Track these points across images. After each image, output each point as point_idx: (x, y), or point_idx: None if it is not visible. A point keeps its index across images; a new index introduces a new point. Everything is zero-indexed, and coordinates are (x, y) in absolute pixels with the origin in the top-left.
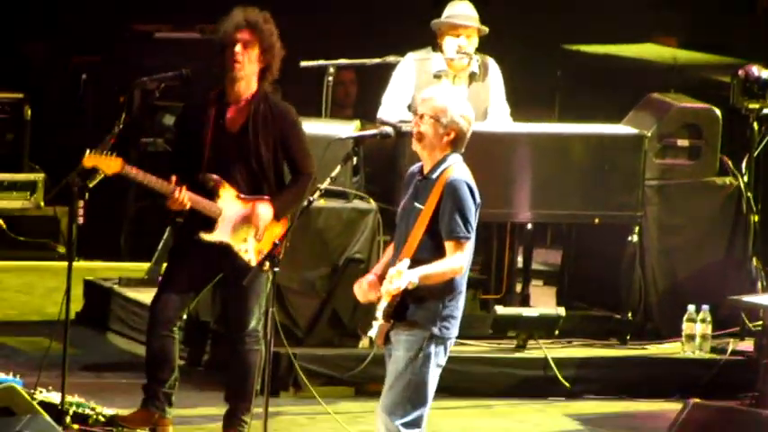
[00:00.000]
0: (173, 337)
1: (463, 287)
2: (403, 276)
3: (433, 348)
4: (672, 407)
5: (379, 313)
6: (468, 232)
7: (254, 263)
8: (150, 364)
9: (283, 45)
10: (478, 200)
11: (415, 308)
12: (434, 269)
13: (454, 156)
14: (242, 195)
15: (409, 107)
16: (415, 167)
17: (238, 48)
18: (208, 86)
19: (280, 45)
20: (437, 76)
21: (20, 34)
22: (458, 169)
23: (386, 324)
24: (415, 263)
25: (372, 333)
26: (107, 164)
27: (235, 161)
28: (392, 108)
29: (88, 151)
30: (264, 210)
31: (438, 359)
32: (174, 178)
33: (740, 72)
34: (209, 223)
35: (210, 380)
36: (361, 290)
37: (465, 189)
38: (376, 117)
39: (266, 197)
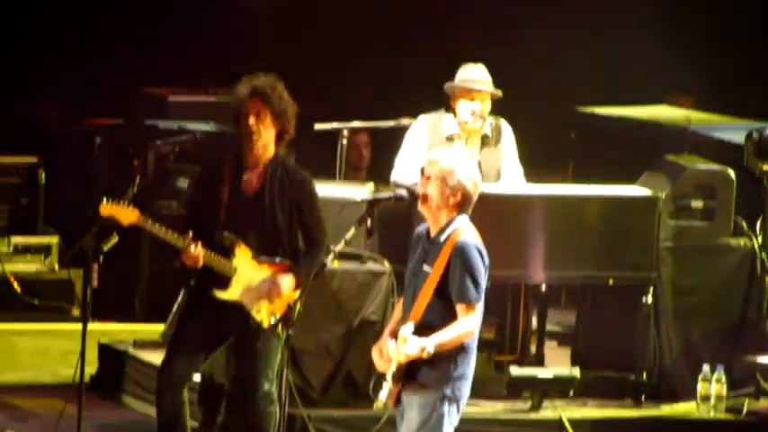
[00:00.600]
0: (182, 400)
1: (474, 347)
2: (415, 345)
3: (446, 409)
4: None
5: (389, 376)
6: (479, 295)
7: (266, 324)
8: (162, 427)
9: (296, 106)
10: (487, 262)
11: (426, 369)
12: (448, 336)
13: (461, 218)
14: (256, 256)
15: (423, 169)
16: (421, 228)
17: (251, 119)
18: (222, 148)
19: (292, 105)
20: (450, 139)
21: (34, 97)
22: (466, 232)
23: (395, 387)
24: (423, 326)
25: (383, 396)
26: (123, 213)
27: (250, 224)
28: (405, 170)
29: (105, 200)
30: (287, 282)
31: (452, 419)
32: (189, 233)
33: (754, 134)
34: (223, 282)
35: None
36: (381, 361)
37: (474, 252)
38: (389, 179)
39: (284, 262)
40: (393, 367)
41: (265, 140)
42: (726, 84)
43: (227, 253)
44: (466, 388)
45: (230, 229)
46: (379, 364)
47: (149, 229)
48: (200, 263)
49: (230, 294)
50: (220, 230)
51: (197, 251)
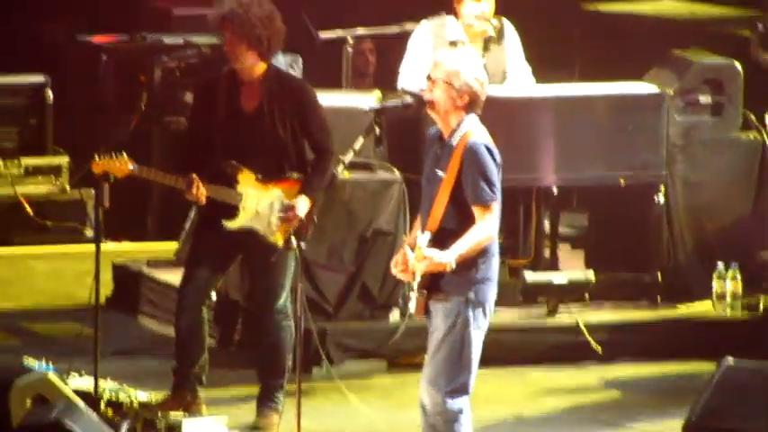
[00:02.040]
0: (202, 317)
1: (495, 248)
2: (437, 262)
3: (471, 313)
4: (706, 367)
5: (414, 286)
6: (494, 194)
7: (280, 243)
8: (180, 346)
9: (279, 21)
10: (499, 160)
11: (449, 276)
12: (468, 244)
13: (470, 118)
14: (261, 178)
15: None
16: (433, 131)
17: (225, 47)
18: (227, 62)
19: (274, 22)
20: (453, 44)
21: (38, 16)
22: (476, 132)
23: (421, 296)
24: (441, 232)
25: (411, 306)
26: (117, 167)
27: (252, 144)
28: (411, 76)
29: (96, 157)
30: (302, 204)
31: (478, 323)
32: (191, 175)
33: (759, 25)
34: (231, 207)
35: (242, 359)
36: (397, 269)
37: (485, 152)
38: (396, 86)
39: (290, 177)
40: (417, 278)
41: (246, 63)
42: None
43: (231, 180)
44: (491, 291)
45: (232, 150)
46: (399, 276)
47: (146, 177)
48: (204, 199)
49: (239, 222)
50: (220, 155)
51: (199, 190)
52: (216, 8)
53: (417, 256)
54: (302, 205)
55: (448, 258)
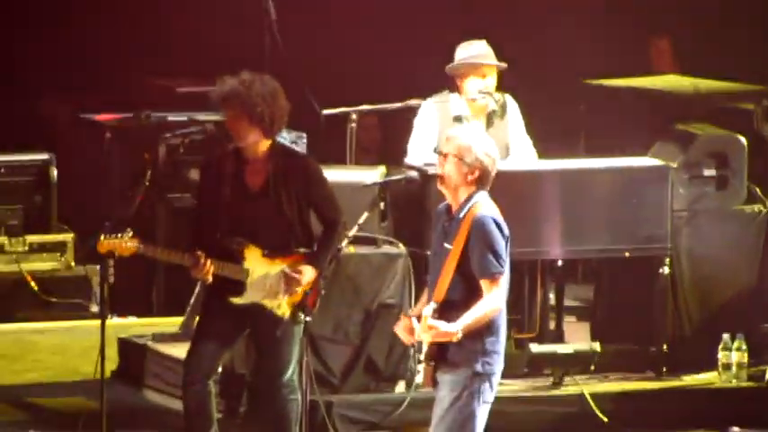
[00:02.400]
0: (209, 390)
1: (502, 321)
2: (443, 333)
3: (477, 386)
4: None
5: (422, 356)
6: (501, 267)
7: (287, 316)
8: (188, 420)
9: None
10: (507, 233)
11: (456, 348)
12: (475, 315)
13: (480, 194)
14: (268, 254)
15: (435, 150)
16: (441, 207)
17: (228, 124)
18: (232, 140)
19: (275, 100)
20: (457, 119)
21: (43, 95)
22: (484, 205)
23: (429, 367)
24: (446, 304)
25: (419, 378)
26: (122, 247)
27: (258, 220)
28: (418, 153)
29: (102, 237)
30: (307, 272)
31: (484, 396)
32: (196, 252)
33: (764, 99)
34: (238, 283)
35: None
36: (402, 332)
37: (492, 224)
38: (403, 163)
39: (297, 253)
40: (424, 348)
41: (249, 140)
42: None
43: (238, 256)
44: (497, 364)
45: (239, 226)
46: (404, 338)
47: (152, 255)
48: (210, 277)
49: (246, 298)
50: (227, 233)
51: (205, 267)
52: (218, 86)
53: (423, 326)
54: (307, 273)
55: (454, 329)
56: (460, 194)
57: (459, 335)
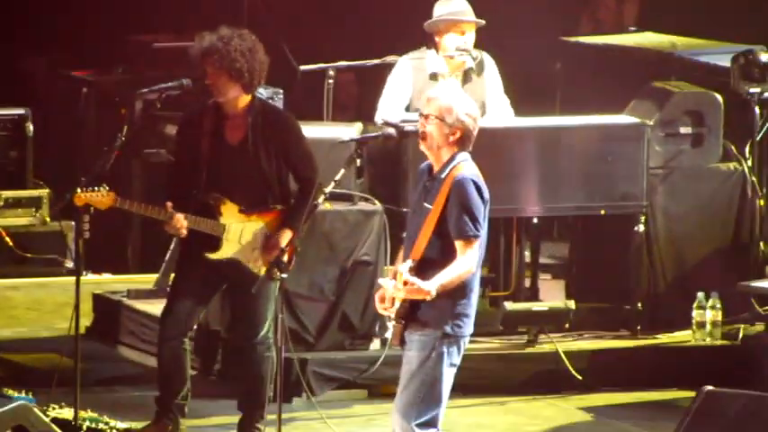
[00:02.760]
0: (184, 348)
1: (475, 285)
2: (417, 290)
3: (445, 347)
4: (685, 395)
5: (393, 315)
6: (477, 231)
7: (262, 273)
8: (162, 375)
9: (262, 54)
10: (487, 197)
11: (426, 307)
12: (449, 276)
13: (462, 155)
14: (245, 210)
15: (407, 108)
16: (424, 165)
17: (207, 80)
18: (208, 95)
19: (256, 54)
20: (433, 77)
21: (20, 50)
22: (465, 167)
23: (399, 325)
24: (423, 263)
25: (387, 335)
26: (99, 200)
27: (236, 175)
28: (390, 109)
29: (78, 190)
30: (284, 236)
31: (451, 358)
32: (169, 204)
33: (740, 57)
34: (215, 239)
35: (223, 389)
36: (382, 305)
37: (471, 187)
38: (374, 121)
39: (274, 209)
40: (396, 305)
41: (229, 95)
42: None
43: (214, 212)
44: (467, 326)
45: (216, 181)
46: (380, 308)
47: (128, 209)
48: (185, 231)
49: (222, 254)
50: (204, 186)
51: (179, 222)
52: (197, 42)
53: (398, 283)
54: (284, 237)
55: (429, 287)
56: (443, 155)
57: (433, 293)
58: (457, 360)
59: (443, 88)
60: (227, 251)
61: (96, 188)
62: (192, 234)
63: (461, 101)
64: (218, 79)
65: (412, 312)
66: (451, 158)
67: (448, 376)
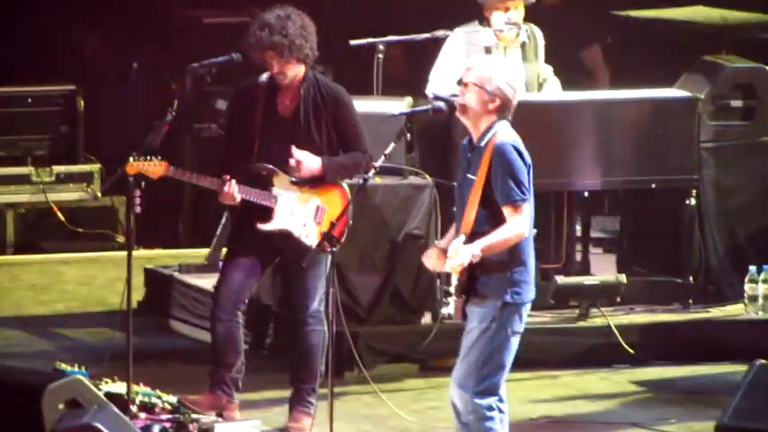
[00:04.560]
0: (238, 321)
1: (530, 250)
2: (463, 253)
3: (506, 316)
4: (737, 369)
5: (452, 289)
6: (524, 194)
7: (315, 245)
8: (217, 349)
9: (312, 27)
10: (528, 161)
11: (484, 279)
12: (496, 238)
13: (501, 123)
14: (296, 181)
15: (459, 81)
16: (465, 141)
17: (267, 64)
18: (259, 69)
19: (309, 28)
20: (487, 50)
21: (70, 25)
22: (504, 133)
23: (459, 299)
24: (474, 236)
25: (450, 310)
26: (152, 169)
27: (288, 146)
28: (442, 83)
29: (131, 159)
30: (309, 160)
31: (513, 326)
32: (225, 176)
33: None
34: (266, 211)
35: (275, 363)
36: (430, 260)
37: (512, 151)
38: (425, 93)
39: (324, 182)
40: (454, 281)
41: (290, 74)
42: None
43: (266, 183)
44: (526, 293)
45: (268, 152)
46: (430, 265)
47: (180, 178)
48: (238, 200)
49: (274, 225)
50: (256, 157)
51: (232, 191)
52: (255, 28)
53: (450, 253)
54: (309, 160)
55: (473, 248)
56: (481, 124)
57: (478, 252)
58: (519, 327)
59: (483, 57)
60: (278, 222)
61: (149, 157)
62: (244, 206)
63: (501, 69)
64: (285, 66)
65: (471, 285)
66: (490, 127)
67: (510, 344)
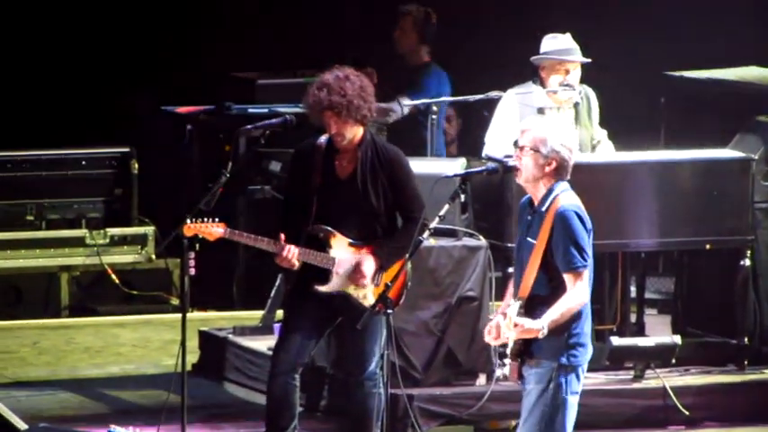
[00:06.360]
0: (295, 384)
1: (587, 313)
2: (529, 330)
3: (563, 378)
4: None
5: (508, 350)
6: (585, 260)
7: (370, 305)
8: (271, 410)
9: (370, 87)
10: (590, 226)
11: (541, 342)
12: (561, 310)
13: (561, 185)
14: (354, 242)
15: (515, 143)
16: (524, 200)
17: (329, 125)
18: (312, 130)
19: (368, 89)
20: (541, 111)
21: (123, 87)
22: (566, 198)
23: (515, 363)
24: (532, 300)
25: (505, 372)
26: (210, 231)
27: (345, 208)
28: (497, 144)
29: (188, 221)
30: (369, 264)
31: (571, 387)
32: (282, 236)
33: None
34: (324, 272)
35: (329, 425)
36: (491, 336)
37: (575, 217)
38: (481, 155)
39: (376, 244)
40: (510, 344)
41: (348, 136)
42: None
43: (324, 244)
44: (583, 355)
45: (326, 214)
46: (491, 342)
47: (238, 240)
48: (297, 263)
49: (332, 287)
50: (314, 219)
51: (291, 254)
52: (314, 92)
53: (508, 324)
54: (368, 264)
55: (539, 326)
56: (540, 187)
57: (545, 331)
58: (577, 387)
59: (537, 119)
60: (336, 284)
61: (205, 219)
62: (302, 268)
63: (556, 131)
64: (343, 127)
65: (526, 348)
66: (550, 190)
67: (569, 406)
